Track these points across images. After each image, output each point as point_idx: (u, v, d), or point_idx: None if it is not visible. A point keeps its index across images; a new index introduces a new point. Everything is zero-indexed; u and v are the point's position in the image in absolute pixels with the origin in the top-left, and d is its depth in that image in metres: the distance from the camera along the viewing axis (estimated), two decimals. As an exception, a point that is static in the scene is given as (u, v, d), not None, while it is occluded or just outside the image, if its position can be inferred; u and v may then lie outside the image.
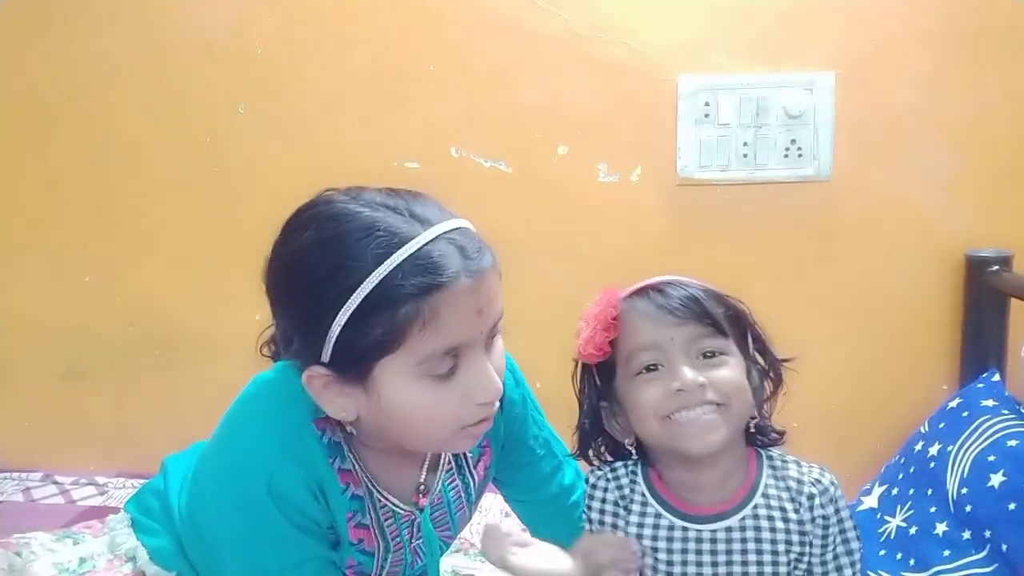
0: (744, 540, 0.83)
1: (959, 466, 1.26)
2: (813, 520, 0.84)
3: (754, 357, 0.88)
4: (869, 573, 1.23)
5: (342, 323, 0.76)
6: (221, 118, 1.63)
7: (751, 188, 1.57)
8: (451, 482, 0.98)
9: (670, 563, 0.84)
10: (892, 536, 1.29)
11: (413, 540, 0.96)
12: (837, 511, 0.84)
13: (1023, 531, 1.11)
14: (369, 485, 0.90)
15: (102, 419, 1.74)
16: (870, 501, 1.40)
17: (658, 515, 0.85)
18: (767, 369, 0.89)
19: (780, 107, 1.52)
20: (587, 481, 0.91)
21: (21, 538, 1.13)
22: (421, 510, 0.95)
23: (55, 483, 1.65)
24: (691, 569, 0.83)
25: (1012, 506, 1.13)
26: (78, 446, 1.75)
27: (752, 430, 0.88)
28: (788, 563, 0.83)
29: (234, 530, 0.86)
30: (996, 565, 1.12)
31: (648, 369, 0.83)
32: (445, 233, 0.79)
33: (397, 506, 0.93)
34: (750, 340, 0.87)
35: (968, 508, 1.19)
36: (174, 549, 1.01)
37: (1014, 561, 1.10)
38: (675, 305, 0.82)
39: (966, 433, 1.30)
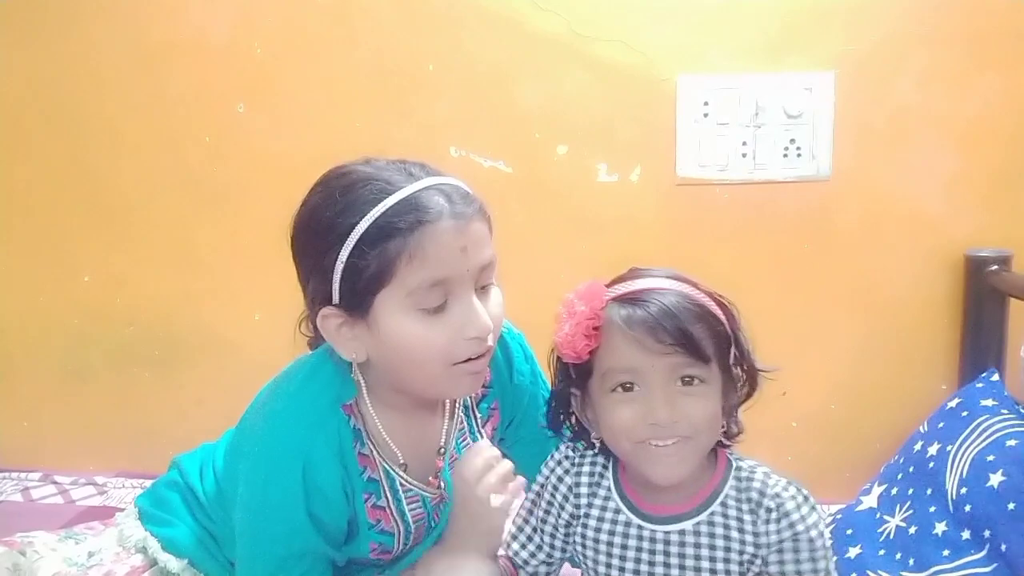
0: (697, 545, 0.83)
1: (958, 466, 1.25)
2: (767, 534, 0.83)
3: (733, 365, 0.85)
4: (869, 573, 1.23)
5: (344, 260, 0.85)
6: (221, 118, 1.64)
7: (750, 188, 1.57)
8: (463, 441, 1.03)
9: (623, 559, 0.85)
10: (891, 536, 1.29)
11: (437, 513, 1.01)
12: (792, 526, 0.82)
13: (1023, 531, 1.11)
14: (390, 470, 0.96)
15: (102, 419, 1.75)
16: (869, 501, 1.40)
17: (617, 510, 0.87)
18: (744, 378, 0.86)
19: (780, 107, 1.52)
20: (555, 450, 0.92)
21: (24, 537, 1.13)
22: (439, 472, 1.00)
23: (55, 483, 1.65)
24: (643, 568, 0.84)
25: (1012, 506, 1.13)
26: (78, 446, 1.75)
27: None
28: (738, 573, 0.83)
29: (257, 504, 0.93)
30: (995, 565, 1.12)
31: (624, 388, 0.82)
32: (436, 184, 0.87)
33: (423, 490, 0.99)
34: (732, 351, 0.85)
35: (967, 508, 1.19)
36: (188, 537, 1.06)
37: (1013, 561, 1.10)
38: (661, 335, 0.79)
39: (965, 433, 1.30)
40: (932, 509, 1.25)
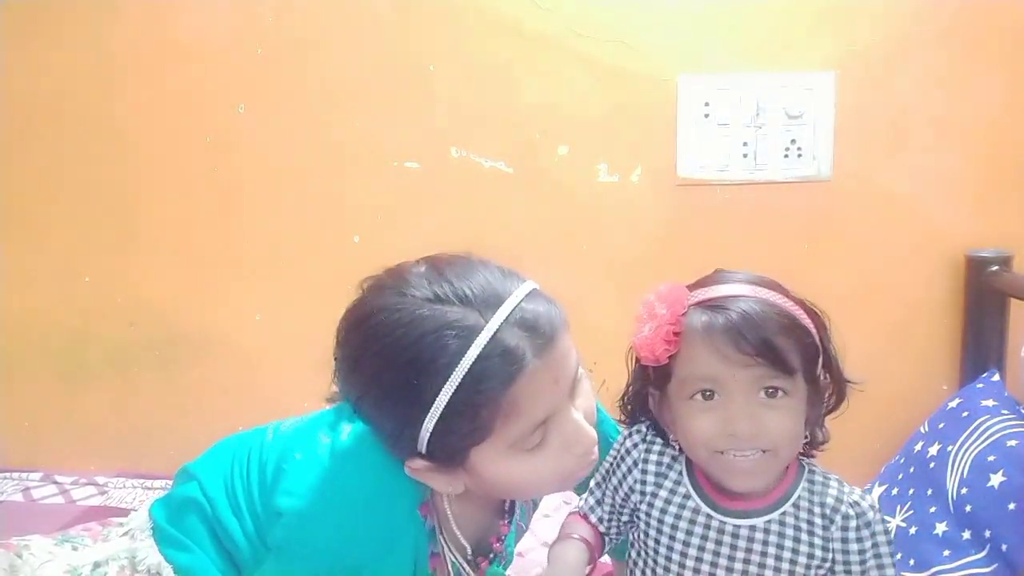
0: (766, 543, 0.81)
1: (959, 466, 1.25)
2: (845, 541, 0.81)
3: (820, 375, 0.83)
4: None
5: (430, 429, 0.78)
6: (221, 118, 1.63)
7: (751, 188, 1.57)
8: (525, 502, 1.01)
9: (686, 544, 0.83)
10: (892, 536, 1.29)
11: None
12: (873, 536, 0.82)
13: (1023, 531, 1.11)
14: (458, 565, 0.92)
15: (102, 419, 1.74)
16: (870, 501, 1.40)
17: (687, 495, 0.84)
18: (832, 388, 0.84)
19: (780, 107, 1.52)
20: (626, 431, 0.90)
21: (21, 540, 1.12)
22: (495, 555, 0.96)
23: (55, 483, 1.65)
24: (707, 556, 0.82)
25: (1012, 506, 1.13)
26: (78, 446, 1.75)
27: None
28: (802, 575, 0.81)
29: None
30: (996, 565, 1.12)
31: (704, 395, 0.79)
32: (510, 314, 0.78)
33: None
34: (821, 361, 0.83)
35: (968, 508, 1.19)
36: (209, 567, 0.95)
37: (1014, 561, 1.10)
38: (746, 347, 0.76)
39: (966, 433, 1.30)
40: (933, 509, 1.25)
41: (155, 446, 1.69)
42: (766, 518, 0.82)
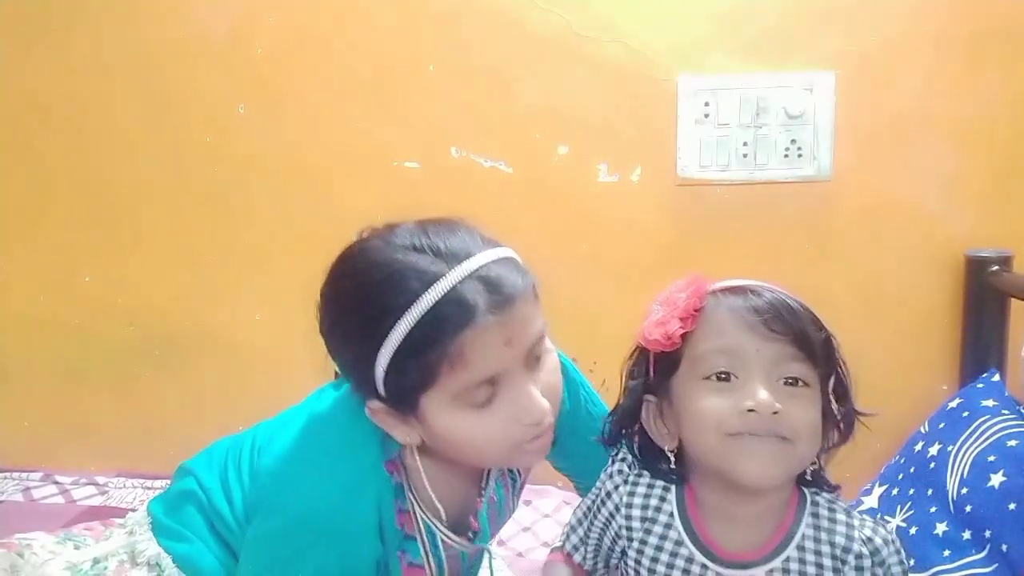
0: None
1: (959, 466, 1.25)
2: None
3: (831, 399, 0.77)
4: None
5: (384, 367, 0.81)
6: (221, 118, 1.63)
7: (751, 188, 1.57)
8: (502, 478, 1.01)
9: None
10: (908, 567, 1.29)
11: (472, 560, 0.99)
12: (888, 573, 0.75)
13: (1023, 531, 1.11)
14: (431, 525, 0.92)
15: (102, 419, 1.75)
16: (870, 501, 1.40)
17: (679, 542, 0.77)
18: (840, 417, 0.78)
19: (780, 107, 1.52)
20: (612, 460, 0.85)
21: (23, 539, 1.13)
22: (475, 533, 0.97)
23: (55, 483, 1.65)
24: None
25: (1012, 506, 1.13)
26: (78, 446, 1.75)
27: (807, 476, 0.79)
28: None
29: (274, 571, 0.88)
30: (996, 565, 1.12)
31: (719, 377, 0.73)
32: (476, 272, 0.81)
33: (463, 546, 0.96)
34: (832, 380, 0.77)
35: (968, 508, 1.19)
36: (208, 557, 0.98)
37: (1014, 561, 1.10)
38: (771, 315, 0.72)
39: (966, 433, 1.30)
40: (933, 509, 1.25)
41: (155, 446, 1.69)
42: (767, 567, 0.74)
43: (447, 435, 0.84)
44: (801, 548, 0.75)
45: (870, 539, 0.75)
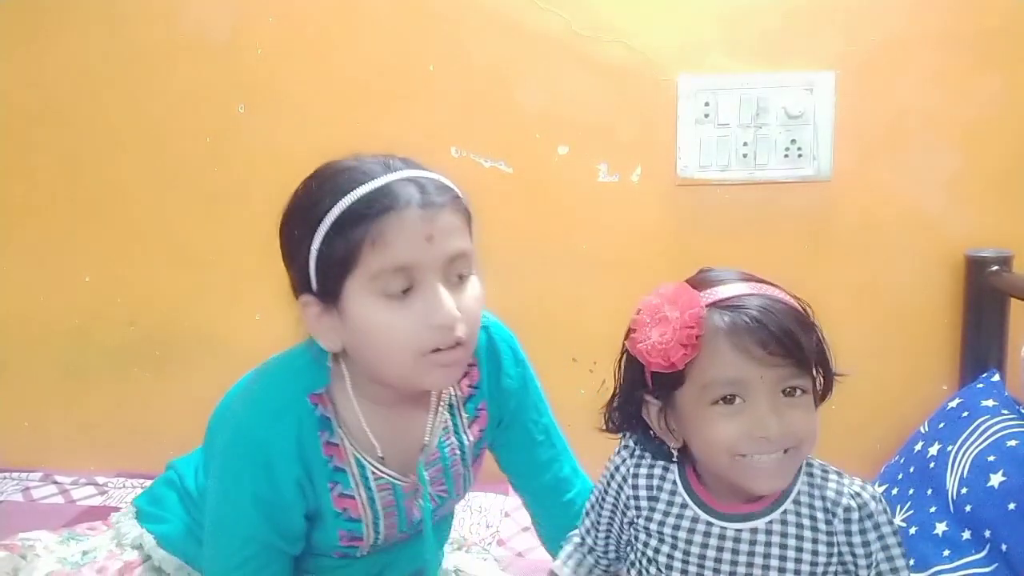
0: (768, 544, 0.80)
1: (959, 466, 1.25)
2: (848, 534, 0.80)
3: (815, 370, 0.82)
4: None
5: (317, 248, 0.87)
6: (221, 118, 1.63)
7: (751, 188, 1.57)
8: (446, 439, 1.03)
9: (687, 554, 0.82)
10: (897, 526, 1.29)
11: (412, 505, 1.01)
12: (878, 527, 0.80)
13: (1023, 531, 1.11)
14: (361, 459, 0.96)
15: (102, 419, 1.75)
16: (870, 501, 1.40)
17: (684, 505, 0.84)
18: (822, 383, 0.83)
19: (780, 107, 1.52)
20: (622, 441, 0.89)
21: (26, 539, 1.13)
22: (416, 467, 1.00)
23: (55, 483, 1.65)
24: (709, 564, 0.82)
25: (1012, 506, 1.13)
26: (78, 446, 1.75)
27: None
28: (810, 574, 0.80)
29: (219, 496, 0.96)
30: (996, 565, 1.12)
31: (725, 400, 0.77)
32: (413, 176, 0.88)
33: (396, 479, 0.99)
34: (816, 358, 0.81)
35: (968, 508, 1.19)
36: (183, 533, 1.09)
37: (1014, 561, 1.10)
38: (772, 343, 0.75)
39: (966, 433, 1.30)
40: (932, 509, 1.25)
41: (155, 446, 1.68)
42: (767, 519, 0.81)
43: (362, 327, 0.87)
44: (796, 503, 0.81)
45: (858, 494, 0.81)
